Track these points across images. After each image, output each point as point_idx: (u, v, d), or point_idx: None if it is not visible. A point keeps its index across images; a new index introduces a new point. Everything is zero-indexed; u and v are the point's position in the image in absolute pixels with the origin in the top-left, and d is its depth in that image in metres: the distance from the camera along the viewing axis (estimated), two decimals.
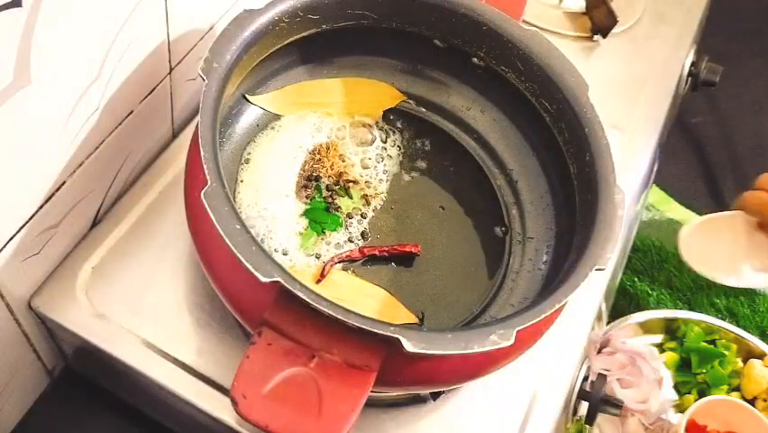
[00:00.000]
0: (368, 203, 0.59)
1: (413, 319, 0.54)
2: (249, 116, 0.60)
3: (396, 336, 0.39)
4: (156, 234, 0.58)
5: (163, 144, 0.64)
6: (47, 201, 0.50)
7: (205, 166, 0.43)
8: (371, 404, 0.48)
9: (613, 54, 0.81)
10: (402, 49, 0.62)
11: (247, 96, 0.60)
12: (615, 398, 0.60)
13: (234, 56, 0.48)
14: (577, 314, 0.60)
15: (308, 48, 0.59)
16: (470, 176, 0.62)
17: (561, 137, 0.56)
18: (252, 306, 0.45)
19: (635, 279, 1.08)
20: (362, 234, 0.58)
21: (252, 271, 0.39)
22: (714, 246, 0.90)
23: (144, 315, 0.54)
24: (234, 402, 0.40)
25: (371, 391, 0.41)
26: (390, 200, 0.60)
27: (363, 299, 0.54)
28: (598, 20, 0.80)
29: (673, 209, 1.21)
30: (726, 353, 0.94)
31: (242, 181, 0.57)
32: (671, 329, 0.98)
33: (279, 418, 0.40)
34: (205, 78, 0.46)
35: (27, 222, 0.49)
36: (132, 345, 0.53)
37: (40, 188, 0.49)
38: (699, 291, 1.08)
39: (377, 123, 0.63)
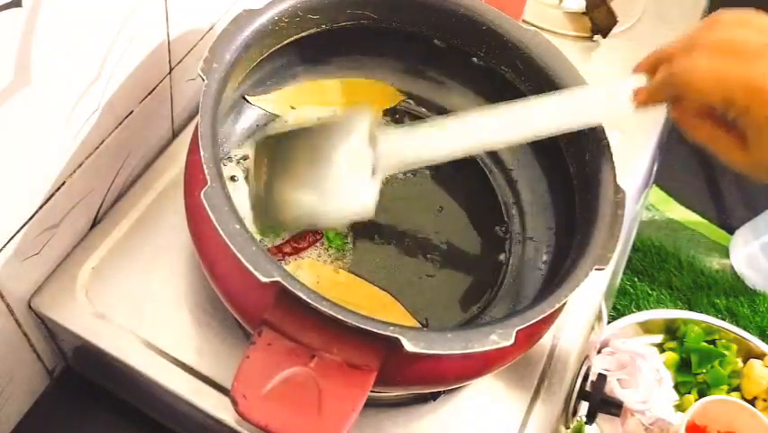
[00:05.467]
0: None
1: (416, 325, 0.54)
2: (249, 116, 0.61)
3: (396, 335, 0.39)
4: (156, 235, 0.58)
5: (163, 144, 0.64)
6: (47, 201, 0.50)
7: (205, 166, 0.42)
8: (371, 404, 0.48)
9: (613, 54, 0.81)
10: (402, 49, 0.62)
11: (247, 96, 0.60)
12: (615, 398, 0.60)
13: (234, 56, 0.48)
14: (577, 314, 0.60)
15: (308, 48, 0.59)
16: (470, 176, 0.62)
17: (561, 137, 0.56)
18: (252, 306, 0.45)
19: (635, 279, 1.08)
20: (365, 235, 0.58)
21: (252, 271, 0.39)
22: None
23: (144, 315, 0.54)
24: (234, 402, 0.40)
25: (371, 391, 0.41)
26: (390, 200, 0.60)
27: (367, 303, 0.54)
28: (599, 20, 0.80)
29: (673, 209, 1.22)
30: (726, 353, 0.94)
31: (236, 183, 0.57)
32: (671, 329, 0.98)
33: (279, 418, 0.40)
34: (204, 78, 0.46)
35: (27, 222, 0.49)
36: (132, 345, 0.53)
37: (40, 188, 0.49)
38: (699, 291, 1.08)
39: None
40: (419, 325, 0.55)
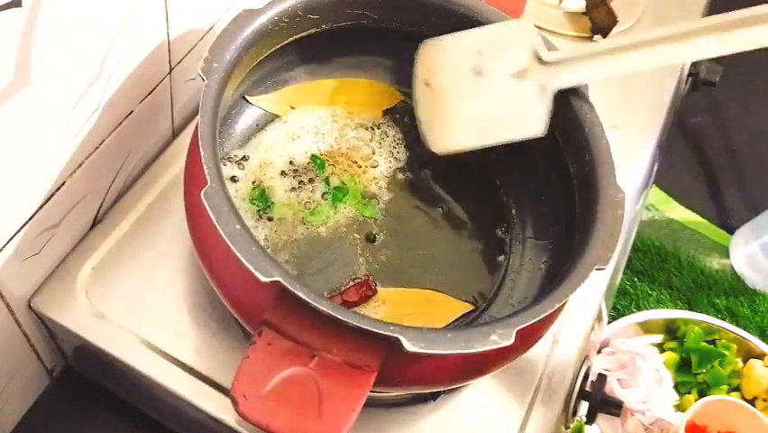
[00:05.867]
0: (368, 204, 0.59)
1: (469, 308, 0.55)
2: (249, 116, 0.61)
3: (396, 335, 0.39)
4: (156, 235, 0.58)
5: (163, 144, 0.64)
6: (47, 201, 0.50)
7: (204, 166, 0.42)
8: (371, 404, 0.48)
9: None
10: (402, 49, 0.62)
11: (247, 96, 0.60)
12: (615, 398, 0.60)
13: (234, 56, 0.49)
14: (577, 314, 0.60)
15: (308, 48, 0.59)
16: (470, 176, 0.62)
17: (561, 137, 0.56)
18: (252, 306, 0.45)
19: (635, 279, 1.08)
20: (367, 237, 0.58)
21: (253, 270, 0.39)
22: None
23: (144, 315, 0.54)
24: (235, 402, 0.40)
25: (371, 391, 0.41)
26: (390, 201, 0.60)
27: (418, 306, 0.55)
28: (599, 20, 0.80)
29: (673, 209, 1.22)
30: (726, 353, 0.95)
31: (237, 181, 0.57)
32: (671, 329, 0.98)
33: (280, 418, 0.40)
34: (204, 77, 0.46)
35: (27, 222, 0.49)
36: (132, 345, 0.53)
37: (40, 188, 0.49)
38: (699, 291, 1.08)
39: (376, 123, 0.63)
40: (471, 306, 0.55)
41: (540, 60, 0.51)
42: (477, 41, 0.54)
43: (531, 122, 0.51)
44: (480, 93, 0.53)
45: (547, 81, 0.51)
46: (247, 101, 0.60)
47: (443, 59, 0.55)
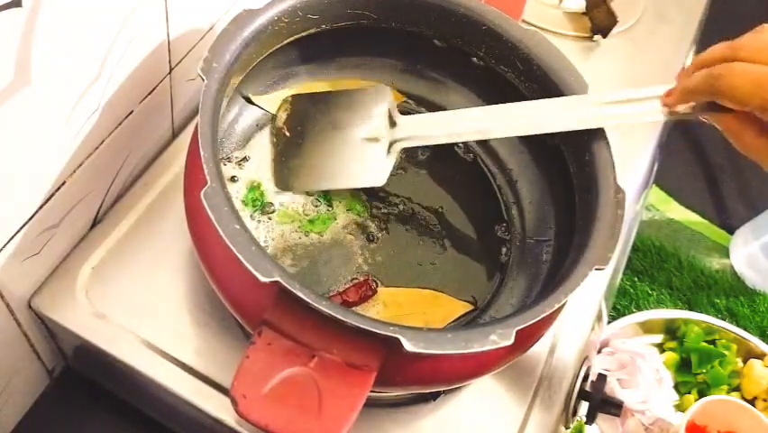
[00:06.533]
0: (368, 204, 0.59)
1: (468, 307, 0.55)
2: (249, 116, 0.61)
3: (395, 335, 0.39)
4: (156, 235, 0.58)
5: (163, 144, 0.64)
6: (47, 201, 0.50)
7: (204, 166, 0.42)
8: (371, 404, 0.48)
9: (613, 54, 0.81)
10: (402, 49, 0.63)
11: (247, 96, 0.60)
12: (615, 398, 0.60)
13: (234, 56, 0.49)
14: (577, 314, 0.60)
15: (308, 48, 0.59)
16: (470, 176, 0.62)
17: (560, 137, 0.56)
18: (252, 306, 0.45)
19: (635, 279, 1.08)
20: (367, 237, 0.58)
21: (252, 271, 0.39)
22: None
23: (144, 315, 0.54)
24: (234, 402, 0.40)
25: (371, 391, 0.41)
26: (390, 200, 0.60)
27: (419, 306, 0.55)
28: (599, 20, 0.80)
29: (673, 209, 1.22)
30: (726, 353, 0.94)
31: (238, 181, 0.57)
32: (671, 329, 0.98)
33: (279, 417, 0.40)
34: (204, 77, 0.46)
35: (27, 222, 0.49)
36: (132, 345, 0.53)
37: (40, 188, 0.49)
38: (699, 291, 1.08)
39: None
40: (471, 306, 0.55)
41: (392, 122, 0.56)
42: (341, 100, 0.59)
43: (375, 174, 0.56)
44: (334, 145, 0.57)
45: (396, 141, 0.56)
46: (247, 101, 0.60)
47: (308, 111, 0.59)
